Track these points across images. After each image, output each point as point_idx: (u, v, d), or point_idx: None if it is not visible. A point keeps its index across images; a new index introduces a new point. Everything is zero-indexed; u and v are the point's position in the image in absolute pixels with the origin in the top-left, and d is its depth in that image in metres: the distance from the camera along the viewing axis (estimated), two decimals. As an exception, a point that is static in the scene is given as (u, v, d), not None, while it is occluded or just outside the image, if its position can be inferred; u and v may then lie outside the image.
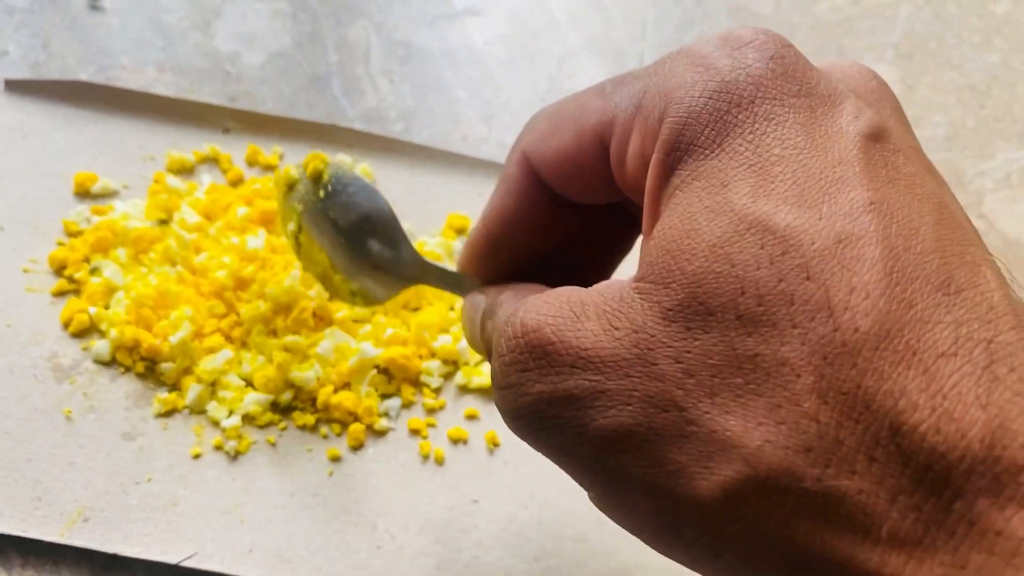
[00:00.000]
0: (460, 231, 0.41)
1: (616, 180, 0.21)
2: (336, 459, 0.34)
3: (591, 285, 0.20)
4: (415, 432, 0.35)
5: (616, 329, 0.18)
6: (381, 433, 0.35)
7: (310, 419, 0.35)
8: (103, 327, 0.36)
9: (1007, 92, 0.53)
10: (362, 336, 0.37)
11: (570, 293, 0.19)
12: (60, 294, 0.37)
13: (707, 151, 0.18)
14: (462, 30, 0.52)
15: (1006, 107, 0.52)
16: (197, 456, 0.34)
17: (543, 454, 0.19)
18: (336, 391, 0.35)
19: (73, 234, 0.39)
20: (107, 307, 0.36)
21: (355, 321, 0.37)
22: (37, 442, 0.33)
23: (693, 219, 0.18)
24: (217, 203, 0.39)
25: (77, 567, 0.31)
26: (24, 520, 0.32)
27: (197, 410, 0.35)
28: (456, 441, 0.35)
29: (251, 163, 0.42)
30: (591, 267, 0.26)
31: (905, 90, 0.52)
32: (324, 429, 0.35)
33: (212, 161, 0.42)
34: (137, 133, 0.43)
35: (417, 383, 0.37)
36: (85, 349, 0.36)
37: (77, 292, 0.37)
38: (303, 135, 0.43)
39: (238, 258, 0.37)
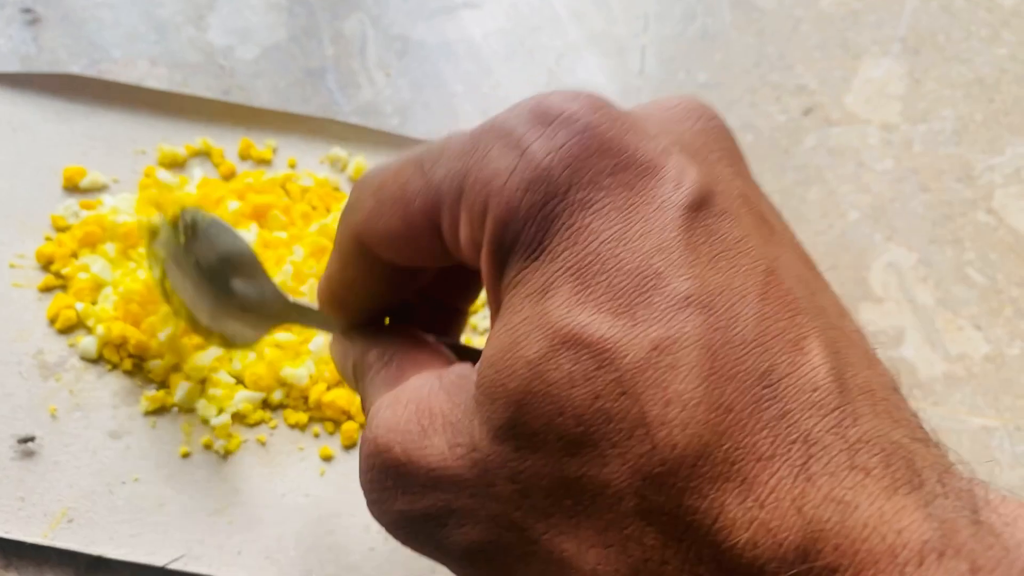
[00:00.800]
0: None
1: (453, 255, 0.20)
2: (328, 458, 0.33)
3: (454, 319, 0.22)
4: (409, 431, 0.34)
5: (458, 446, 0.18)
6: (374, 432, 0.34)
7: (302, 417, 0.34)
8: (90, 323, 0.35)
9: (1016, 86, 0.52)
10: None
11: (420, 398, 0.19)
12: (47, 290, 0.36)
13: (529, 251, 0.17)
14: (460, 24, 0.51)
15: (1015, 101, 0.51)
16: (186, 455, 0.33)
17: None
18: (329, 389, 0.35)
19: (61, 229, 0.38)
20: (94, 303, 0.36)
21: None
22: (21, 441, 0.32)
23: (514, 332, 0.17)
24: (208, 197, 0.38)
25: (61, 569, 0.31)
26: (7, 521, 0.31)
27: (186, 408, 0.34)
28: (451, 440, 0.34)
29: (244, 157, 0.41)
30: (452, 304, 0.26)
31: (913, 84, 0.52)
32: (316, 428, 0.34)
33: (204, 155, 0.41)
34: (128, 127, 0.42)
35: (412, 381, 0.36)
36: (72, 346, 0.35)
37: (64, 288, 0.36)
38: (297, 128, 0.42)
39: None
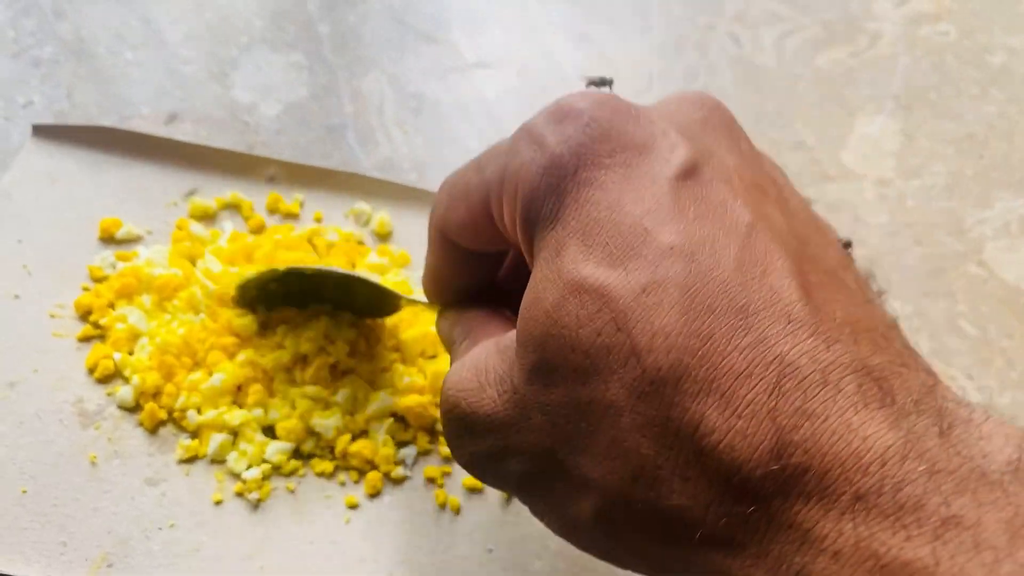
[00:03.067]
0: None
1: (506, 237, 0.24)
2: (354, 506, 0.35)
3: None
4: (431, 480, 0.36)
5: (504, 393, 0.21)
6: (398, 481, 0.36)
7: (328, 466, 0.36)
8: (127, 373, 0.37)
9: (1005, 142, 0.54)
10: (380, 384, 0.37)
11: (477, 361, 0.23)
12: (86, 339, 0.38)
13: (548, 223, 0.21)
14: (473, 83, 0.53)
15: (1004, 156, 0.54)
16: (219, 503, 0.35)
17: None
18: (354, 439, 0.36)
19: (98, 280, 0.40)
20: (131, 353, 0.37)
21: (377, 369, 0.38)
22: (63, 487, 0.34)
23: (536, 288, 0.21)
24: (240, 251, 0.40)
25: (100, 612, 0.32)
26: (49, 565, 0.32)
27: (218, 460, 0.35)
28: (471, 490, 0.36)
29: (272, 211, 0.43)
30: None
31: (906, 140, 0.54)
32: (342, 476, 0.36)
33: (234, 208, 0.43)
34: (160, 180, 0.44)
35: (433, 431, 0.37)
36: (110, 395, 0.37)
37: (102, 338, 0.38)
38: (323, 184, 0.44)
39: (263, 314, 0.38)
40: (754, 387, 0.17)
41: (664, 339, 0.18)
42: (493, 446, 0.22)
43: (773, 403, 0.17)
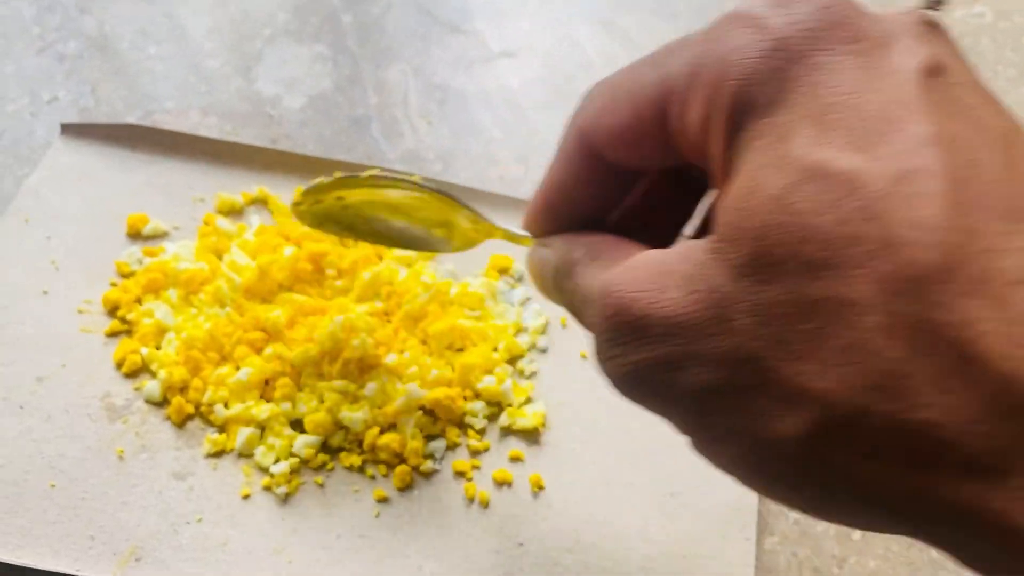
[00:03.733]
0: (503, 271, 0.42)
1: (678, 148, 0.22)
2: (383, 500, 0.35)
3: (655, 247, 0.21)
4: (460, 474, 0.36)
5: (695, 292, 0.19)
6: (427, 475, 0.36)
7: (356, 460, 0.35)
8: (154, 367, 0.37)
9: (1042, 128, 0.53)
10: (408, 377, 0.37)
11: (653, 263, 0.20)
12: (113, 334, 0.38)
13: (767, 109, 0.19)
14: (497, 73, 0.53)
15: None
16: (246, 497, 0.34)
17: (647, 410, 0.21)
18: (382, 432, 0.36)
19: (125, 275, 0.40)
20: (158, 347, 0.37)
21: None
22: (91, 481, 0.34)
23: (756, 176, 0.18)
24: (266, 245, 0.40)
25: (130, 607, 0.32)
26: (78, 559, 0.32)
27: (245, 454, 0.35)
28: (501, 483, 0.35)
29: (297, 205, 0.43)
30: (654, 230, 0.26)
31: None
32: (371, 470, 0.35)
33: (260, 203, 0.43)
34: (186, 175, 0.44)
35: (462, 424, 0.37)
36: (137, 389, 0.36)
37: (130, 332, 0.38)
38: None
39: (290, 307, 0.38)
40: None
41: (927, 231, 0.16)
42: (669, 354, 0.19)
43: None
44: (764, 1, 0.20)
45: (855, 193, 0.17)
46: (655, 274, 0.20)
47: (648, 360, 0.20)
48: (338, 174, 0.32)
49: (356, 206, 0.32)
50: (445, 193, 0.30)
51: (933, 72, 0.18)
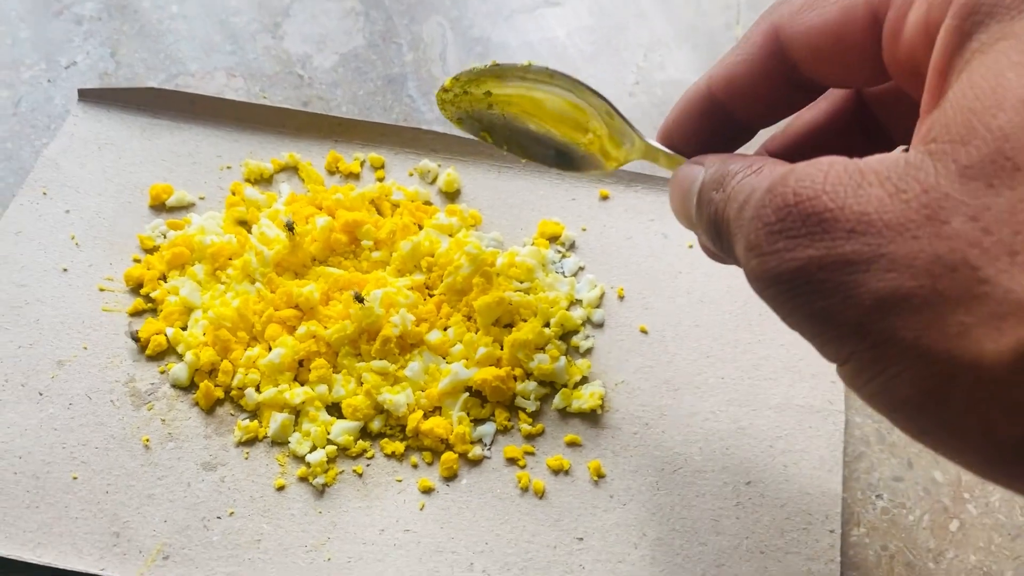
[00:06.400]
0: (552, 238, 0.38)
1: (885, 58, 0.20)
2: (428, 491, 0.32)
3: None
4: (512, 461, 0.33)
5: (903, 191, 0.17)
6: (475, 462, 0.32)
7: (399, 447, 0.32)
8: (180, 349, 0.34)
9: None
10: (452, 356, 0.34)
11: (844, 161, 0.19)
12: (137, 313, 0.35)
13: (1013, 12, 0.17)
14: (541, 23, 0.49)
15: None
16: (281, 488, 0.32)
17: (793, 323, 0.19)
18: (426, 416, 0.33)
19: (149, 250, 0.37)
20: (184, 327, 0.35)
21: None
22: (115, 472, 0.32)
23: (1000, 75, 0.17)
24: (298, 214, 0.36)
25: (159, 608, 0.30)
26: (103, 558, 0.30)
27: (279, 442, 0.33)
28: (557, 471, 0.32)
29: (331, 171, 0.40)
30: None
31: None
32: (414, 457, 0.32)
33: (291, 169, 0.40)
34: (213, 142, 0.41)
35: (512, 407, 0.34)
36: (163, 372, 0.34)
37: (154, 311, 0.35)
38: (384, 139, 0.41)
39: (324, 282, 0.35)
40: None
41: None
42: (856, 252, 0.17)
43: None
44: None
45: None
46: (851, 171, 0.18)
47: (826, 257, 0.18)
48: (494, 62, 0.30)
49: (502, 104, 0.30)
50: (602, 97, 0.28)
51: None
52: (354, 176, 0.40)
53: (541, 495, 0.32)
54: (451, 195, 0.39)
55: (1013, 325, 0.15)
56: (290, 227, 0.35)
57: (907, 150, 0.18)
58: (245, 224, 0.38)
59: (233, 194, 0.38)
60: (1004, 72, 0.17)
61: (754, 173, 0.21)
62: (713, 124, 0.24)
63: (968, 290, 0.16)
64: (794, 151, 0.24)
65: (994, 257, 0.16)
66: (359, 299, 0.33)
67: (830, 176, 0.18)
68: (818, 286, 0.18)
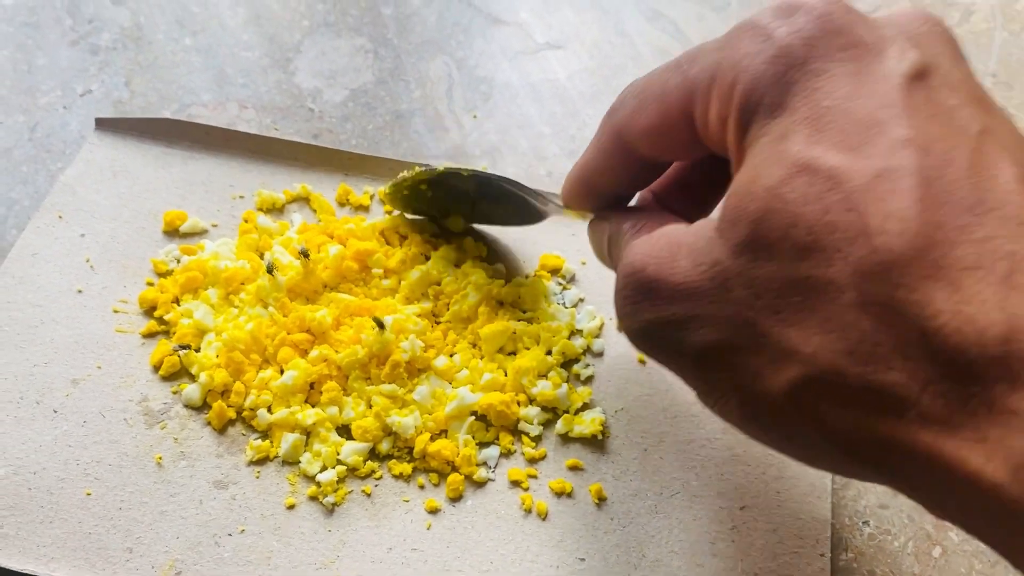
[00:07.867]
0: (554, 271, 0.40)
1: (703, 141, 0.24)
2: (434, 511, 0.33)
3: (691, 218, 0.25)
4: (515, 483, 0.34)
5: (701, 264, 0.22)
6: (480, 484, 0.34)
7: (407, 468, 0.33)
8: (193, 370, 0.35)
9: (1115, 122, 0.50)
10: (459, 382, 0.35)
11: (669, 235, 0.23)
12: (150, 335, 0.36)
13: (771, 110, 0.21)
14: (543, 64, 0.51)
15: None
16: (291, 507, 0.32)
17: (661, 364, 0.24)
18: (433, 439, 0.34)
19: (162, 274, 0.38)
20: (198, 349, 0.36)
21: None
22: (128, 489, 0.32)
23: (756, 168, 0.21)
24: (310, 243, 0.38)
25: (170, 623, 0.30)
26: (115, 573, 0.31)
27: (290, 461, 0.33)
28: (560, 494, 0.33)
29: (342, 203, 0.41)
30: (703, 205, 0.30)
31: (1008, 121, 0.50)
32: (421, 478, 0.33)
33: (303, 200, 0.41)
34: (225, 172, 0.42)
35: (516, 431, 0.35)
36: (176, 393, 0.35)
37: (167, 333, 0.36)
38: (392, 173, 0.42)
39: (336, 307, 0.36)
40: (984, 278, 0.18)
41: (897, 223, 0.18)
42: (676, 314, 0.22)
43: (1002, 294, 0.17)
44: (773, 12, 0.22)
45: (838, 187, 0.19)
46: (670, 244, 0.23)
47: (657, 319, 0.23)
48: (417, 168, 0.37)
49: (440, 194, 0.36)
50: (513, 182, 0.35)
51: (919, 76, 0.21)
52: (364, 208, 0.41)
53: (544, 517, 0.33)
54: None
55: (784, 367, 0.20)
56: (305, 254, 0.36)
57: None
58: (258, 252, 0.39)
59: (246, 222, 0.40)
60: (759, 166, 0.21)
61: (636, 235, 0.26)
62: (595, 198, 0.30)
63: (754, 341, 0.20)
64: (673, 187, 0.30)
65: (765, 316, 0.20)
66: (380, 325, 0.34)
67: (654, 250, 0.23)
68: (659, 341, 0.23)
